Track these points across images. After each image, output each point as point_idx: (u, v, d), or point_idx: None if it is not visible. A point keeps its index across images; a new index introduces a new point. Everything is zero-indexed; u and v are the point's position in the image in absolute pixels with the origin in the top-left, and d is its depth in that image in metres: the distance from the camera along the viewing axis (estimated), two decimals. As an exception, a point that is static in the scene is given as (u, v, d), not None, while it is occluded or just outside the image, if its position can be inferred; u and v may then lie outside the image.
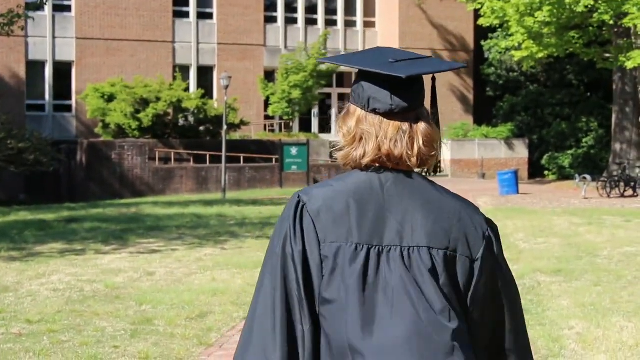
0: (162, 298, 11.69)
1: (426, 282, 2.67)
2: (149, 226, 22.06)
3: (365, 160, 2.75)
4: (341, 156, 2.81)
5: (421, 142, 2.75)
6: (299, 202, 2.75)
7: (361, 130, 2.76)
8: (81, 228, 21.59)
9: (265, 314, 2.71)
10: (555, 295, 12.09)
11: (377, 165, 2.76)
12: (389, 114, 2.75)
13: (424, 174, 2.85)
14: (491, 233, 2.79)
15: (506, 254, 2.96)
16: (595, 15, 31.38)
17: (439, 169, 2.90)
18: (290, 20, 51.64)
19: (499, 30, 48.42)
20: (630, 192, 35.25)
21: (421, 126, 2.76)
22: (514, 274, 2.84)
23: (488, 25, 34.22)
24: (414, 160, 2.74)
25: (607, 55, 35.12)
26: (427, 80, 2.87)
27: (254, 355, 2.69)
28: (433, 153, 2.79)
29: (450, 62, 3.12)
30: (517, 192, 36.74)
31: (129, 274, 14.04)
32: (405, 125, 2.75)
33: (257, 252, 16.86)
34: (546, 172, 48.85)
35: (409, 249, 2.70)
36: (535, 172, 49.40)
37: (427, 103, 2.88)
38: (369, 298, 2.66)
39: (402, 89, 2.74)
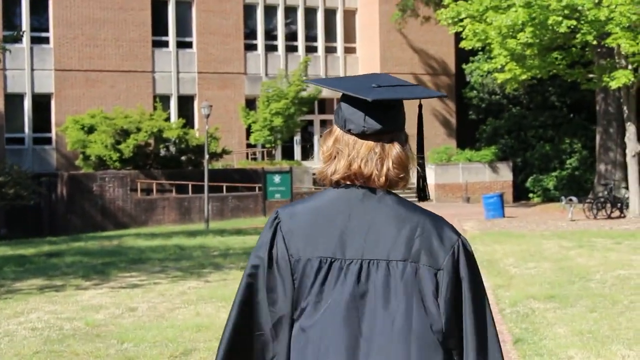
0: (144, 335, 11.26)
1: (378, 293, 2.86)
2: (130, 259, 21.61)
3: (336, 177, 2.95)
4: (318, 172, 3.05)
5: (391, 163, 2.90)
6: (275, 219, 3.02)
7: (336, 148, 2.95)
8: (62, 262, 21.14)
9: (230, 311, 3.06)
10: (551, 322, 11.71)
11: (348, 183, 2.95)
12: (362, 135, 2.92)
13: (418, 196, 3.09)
14: (459, 244, 2.92)
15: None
16: (578, 35, 31.12)
17: (427, 195, 3.10)
18: (271, 48, 51.34)
19: (480, 53, 48.36)
20: (617, 213, 34.97)
21: (393, 149, 2.92)
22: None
23: (470, 48, 33.91)
24: (382, 179, 2.91)
25: (591, 75, 34.86)
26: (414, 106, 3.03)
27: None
28: (402, 175, 2.93)
29: (431, 90, 3.18)
30: (503, 216, 36.45)
31: (110, 310, 13.60)
32: (378, 147, 2.91)
33: (242, 283, 16.43)
34: (531, 195, 48.57)
35: (369, 262, 2.87)
36: (520, 194, 49.12)
37: (413, 128, 2.96)
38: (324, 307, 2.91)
39: (376, 112, 2.90)
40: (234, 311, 3.03)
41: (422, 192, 3.13)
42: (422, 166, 3.06)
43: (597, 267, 17.63)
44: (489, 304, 2.97)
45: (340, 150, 2.94)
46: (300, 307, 2.94)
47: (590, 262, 18.54)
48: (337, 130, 2.99)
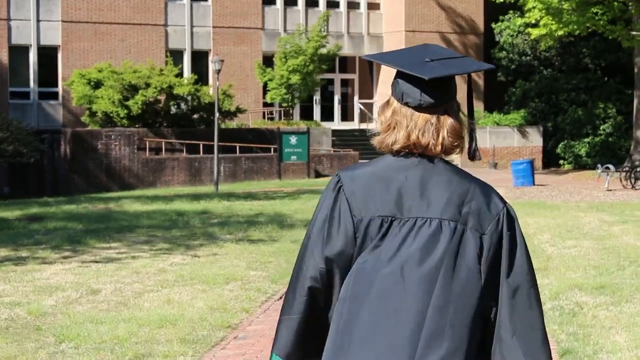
0: (90, 332, 8.94)
1: (431, 247, 3.09)
2: (119, 226, 19.32)
3: (397, 147, 3.17)
4: (377, 141, 3.24)
5: (446, 133, 3.15)
6: (337, 182, 3.22)
7: (395, 120, 3.18)
8: (42, 228, 18.92)
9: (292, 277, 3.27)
10: (606, 326, 9.28)
11: (407, 151, 3.16)
12: (419, 108, 3.15)
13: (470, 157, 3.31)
14: (504, 212, 3.16)
15: (533, 262, 3.16)
16: (622, -14, 28.39)
17: (478, 156, 3.29)
18: (290, 2, 48.71)
19: (511, 12, 45.75)
20: (658, 183, 32.40)
21: (447, 119, 3.16)
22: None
23: (502, 1, 31.18)
24: (438, 148, 3.14)
25: (634, 33, 32.03)
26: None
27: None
28: (456, 143, 3.17)
29: (481, 63, 3.44)
30: (533, 184, 34.03)
31: (67, 292, 11.30)
32: (433, 118, 3.15)
33: (233, 260, 14.12)
34: (561, 162, 46.10)
35: (424, 220, 3.12)
36: (550, 161, 46.61)
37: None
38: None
39: (431, 87, 3.14)
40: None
41: (474, 153, 3.28)
42: (473, 130, 3.27)
43: (648, 248, 15.20)
44: (530, 266, 3.16)
45: (399, 121, 3.16)
46: (360, 262, 3.14)
47: (640, 242, 16.09)
48: (394, 103, 3.19)
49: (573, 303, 10.44)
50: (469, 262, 3.08)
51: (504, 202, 3.17)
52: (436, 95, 3.13)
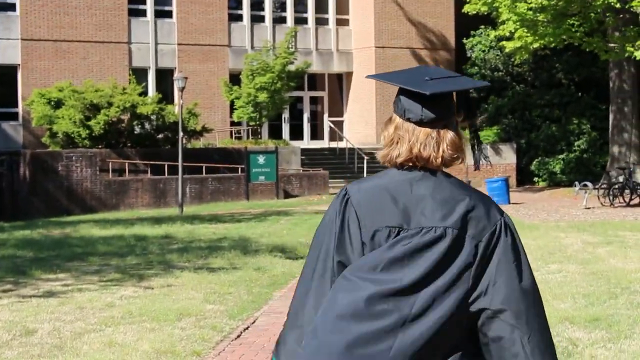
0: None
1: (434, 254, 3.23)
2: (71, 254, 18.03)
3: (400, 160, 3.34)
4: (381, 155, 3.42)
5: (446, 146, 3.32)
6: (345, 195, 3.37)
7: (398, 135, 3.36)
8: (-11, 257, 17.59)
9: (306, 276, 3.39)
10: (607, 369, 8.15)
11: (410, 164, 3.34)
12: (420, 123, 3.34)
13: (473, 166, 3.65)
14: (502, 222, 3.31)
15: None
16: (599, -3, 27.31)
17: (487, 163, 3.63)
18: (257, 19, 47.62)
19: (483, 27, 44.85)
20: (637, 199, 31.37)
21: (447, 133, 3.33)
22: None
23: (475, 12, 30.15)
24: (439, 161, 3.32)
25: (612, 45, 31.02)
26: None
27: (296, 299, 3.39)
28: (456, 156, 3.35)
29: (476, 81, 3.74)
30: (509, 202, 33.09)
31: (-2, 334, 10.06)
32: (434, 132, 3.32)
33: (190, 292, 12.89)
34: (536, 179, 45.09)
35: (429, 230, 3.24)
36: (524, 178, 45.60)
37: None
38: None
39: (432, 103, 3.31)
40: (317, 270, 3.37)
41: (477, 163, 3.61)
42: (475, 144, 3.61)
43: (638, 272, 14.08)
44: (529, 270, 3.32)
45: (402, 136, 3.34)
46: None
47: (629, 266, 14.90)
48: (397, 119, 3.38)
49: (566, 340, 9.29)
50: (463, 268, 3.23)
51: (502, 213, 3.35)
52: (436, 110, 3.31)
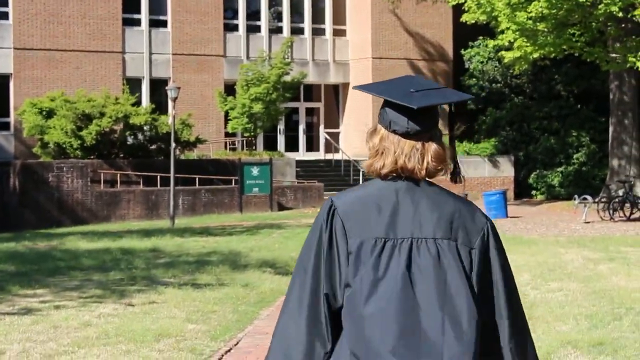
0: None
1: (428, 267, 3.24)
2: (54, 267, 17.42)
3: (385, 171, 3.36)
4: (366, 165, 3.45)
5: (430, 158, 3.34)
6: (331, 206, 3.36)
7: (383, 146, 3.37)
8: (-31, 271, 16.96)
9: (294, 289, 3.35)
10: (614, 400, 7.54)
11: (394, 175, 3.36)
12: (405, 135, 3.35)
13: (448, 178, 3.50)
14: (488, 227, 3.37)
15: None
16: (600, 6, 26.65)
17: (459, 179, 3.50)
18: (253, 29, 47.03)
19: (481, 38, 44.32)
20: (638, 214, 30.75)
21: (432, 145, 3.35)
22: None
23: (474, 21, 29.53)
24: (423, 172, 3.34)
25: (614, 55, 30.38)
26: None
27: (283, 321, 3.34)
28: (440, 167, 3.36)
29: (461, 93, 3.59)
30: (506, 216, 32.50)
31: (-37, 356, 9.44)
32: (419, 144, 3.35)
33: (172, 310, 12.27)
34: (534, 192, 44.48)
35: (418, 240, 3.28)
36: (522, 191, 45.01)
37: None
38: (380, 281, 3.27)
39: (417, 115, 3.33)
40: (306, 285, 3.34)
41: (456, 176, 3.49)
42: (454, 155, 3.47)
43: (643, 291, 13.47)
44: (513, 280, 3.40)
45: (387, 147, 3.35)
46: (354, 281, 3.25)
47: (632, 284, 14.27)
48: (382, 130, 3.39)
49: (568, 366, 8.68)
50: (461, 277, 3.24)
51: (487, 217, 3.41)
52: (422, 123, 3.34)
